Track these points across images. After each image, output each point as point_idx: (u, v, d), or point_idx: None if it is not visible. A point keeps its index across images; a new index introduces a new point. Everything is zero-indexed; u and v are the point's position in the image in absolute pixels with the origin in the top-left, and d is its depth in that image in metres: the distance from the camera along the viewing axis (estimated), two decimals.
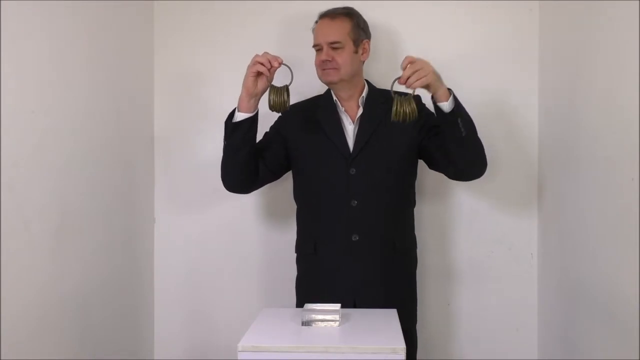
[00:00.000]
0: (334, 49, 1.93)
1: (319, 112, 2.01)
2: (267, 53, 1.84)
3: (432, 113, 2.02)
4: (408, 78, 1.71)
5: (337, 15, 1.96)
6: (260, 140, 2.01)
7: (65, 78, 1.83)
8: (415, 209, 2.11)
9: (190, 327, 2.44)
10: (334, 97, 2.02)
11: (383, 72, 2.27)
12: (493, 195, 2.33)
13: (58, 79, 1.79)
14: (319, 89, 2.09)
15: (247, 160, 1.92)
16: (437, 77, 1.75)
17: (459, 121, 1.78)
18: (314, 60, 2.00)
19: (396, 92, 1.77)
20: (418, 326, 2.06)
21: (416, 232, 2.10)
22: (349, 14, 1.98)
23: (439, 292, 2.35)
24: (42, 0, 1.70)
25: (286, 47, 2.35)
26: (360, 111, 1.99)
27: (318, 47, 1.96)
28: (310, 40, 2.02)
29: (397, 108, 1.72)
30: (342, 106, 2.01)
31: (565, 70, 2.06)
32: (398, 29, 2.33)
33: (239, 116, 1.88)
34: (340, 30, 1.94)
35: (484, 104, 2.31)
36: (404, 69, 1.72)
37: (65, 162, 1.83)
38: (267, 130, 2.07)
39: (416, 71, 1.70)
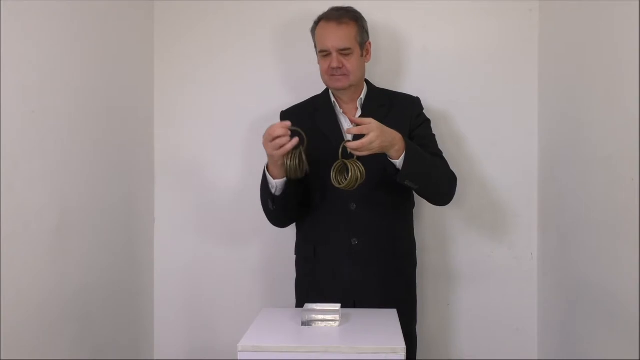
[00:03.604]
0: (344, 55, 1.90)
1: (318, 114, 2.00)
2: (274, 129, 1.72)
3: (427, 120, 2.03)
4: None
5: (343, 20, 1.91)
6: None
7: (65, 78, 1.83)
8: (415, 209, 2.12)
9: (190, 327, 2.44)
10: (332, 99, 2.01)
11: (384, 72, 2.28)
12: (493, 195, 2.33)
13: (58, 79, 1.79)
14: (317, 89, 2.08)
15: (299, 202, 1.93)
16: (385, 146, 1.71)
17: (406, 182, 1.78)
18: (310, 59, 2.00)
19: (344, 153, 1.74)
20: (418, 326, 2.06)
21: (416, 233, 2.11)
22: (354, 17, 1.94)
23: (439, 292, 2.35)
24: (42, 0, 1.70)
25: (287, 46, 2.37)
26: (359, 113, 1.98)
27: (326, 53, 1.92)
28: (309, 39, 2.02)
29: (351, 174, 1.73)
30: (340, 108, 2.00)
31: (565, 70, 2.06)
32: (398, 29, 2.33)
33: (278, 185, 1.83)
34: (348, 36, 1.90)
35: (483, 104, 2.32)
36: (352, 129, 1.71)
37: (65, 162, 1.83)
38: None
39: (363, 146, 1.68)
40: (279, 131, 1.71)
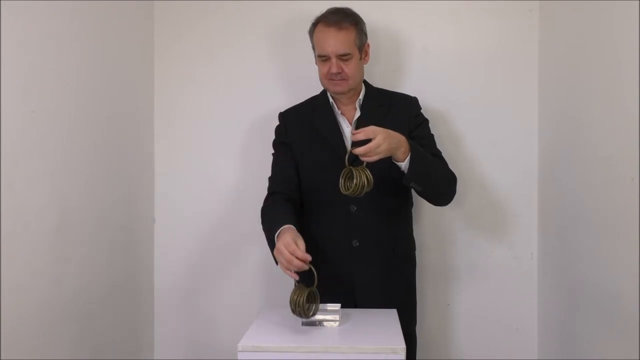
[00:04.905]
0: (343, 60, 1.89)
1: (316, 115, 2.00)
2: (293, 259, 1.62)
3: (425, 120, 2.02)
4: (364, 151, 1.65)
5: (343, 25, 1.89)
6: (280, 175, 1.98)
7: (65, 78, 1.83)
8: (415, 210, 2.12)
9: (190, 327, 2.44)
10: (330, 100, 2.00)
11: (384, 72, 2.28)
12: (493, 195, 2.33)
13: (58, 79, 1.79)
14: (317, 89, 2.08)
15: None
16: (392, 148, 1.68)
17: (412, 184, 1.78)
18: (310, 59, 2.00)
19: (349, 160, 1.70)
20: (418, 326, 2.06)
21: (416, 233, 2.11)
22: (353, 21, 1.92)
23: (438, 292, 2.35)
24: (42, 0, 1.70)
25: (286, 46, 2.37)
26: (358, 113, 1.97)
27: (325, 58, 1.90)
28: (309, 40, 2.01)
29: (357, 181, 1.68)
30: (338, 109, 2.00)
31: (565, 70, 2.05)
32: (398, 29, 2.33)
33: None
34: (348, 41, 1.89)
35: (483, 104, 2.32)
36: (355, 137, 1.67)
37: (65, 162, 1.83)
38: (272, 142, 2.04)
39: (370, 150, 1.65)
40: (296, 263, 1.62)
